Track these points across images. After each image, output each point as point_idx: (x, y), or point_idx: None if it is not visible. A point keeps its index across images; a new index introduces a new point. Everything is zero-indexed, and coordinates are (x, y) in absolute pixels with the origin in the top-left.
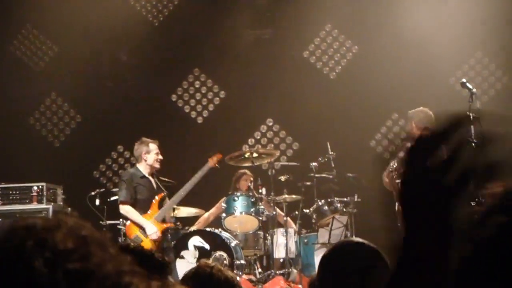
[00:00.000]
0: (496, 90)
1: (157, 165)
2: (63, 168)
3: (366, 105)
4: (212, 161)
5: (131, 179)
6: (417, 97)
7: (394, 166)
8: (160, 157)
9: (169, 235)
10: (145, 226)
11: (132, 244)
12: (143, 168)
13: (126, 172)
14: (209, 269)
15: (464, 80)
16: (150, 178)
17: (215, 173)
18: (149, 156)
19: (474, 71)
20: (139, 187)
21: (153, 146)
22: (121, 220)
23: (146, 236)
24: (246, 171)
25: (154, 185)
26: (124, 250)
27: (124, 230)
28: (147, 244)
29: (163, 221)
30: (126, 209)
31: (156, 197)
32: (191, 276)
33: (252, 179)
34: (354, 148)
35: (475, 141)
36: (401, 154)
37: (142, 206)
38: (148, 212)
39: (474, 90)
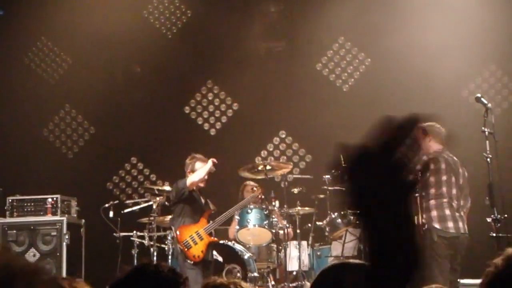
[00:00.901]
0: (509, 102)
1: (202, 184)
2: (77, 179)
3: (378, 118)
4: (256, 193)
5: (183, 184)
6: (430, 109)
7: None
8: (206, 176)
9: (213, 250)
10: (206, 168)
11: (149, 264)
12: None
13: (178, 181)
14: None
15: (479, 95)
16: (198, 192)
17: (227, 184)
18: (192, 174)
19: (487, 84)
20: (189, 197)
21: (200, 165)
22: (171, 229)
23: (196, 243)
24: (249, 182)
25: (203, 200)
26: (138, 270)
27: (174, 235)
28: (196, 250)
29: (210, 234)
30: (189, 177)
31: (205, 212)
32: None
33: (256, 188)
34: None
35: (490, 156)
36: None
37: (192, 216)
38: (198, 222)
39: (489, 105)
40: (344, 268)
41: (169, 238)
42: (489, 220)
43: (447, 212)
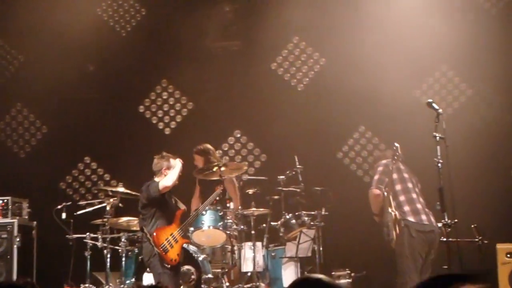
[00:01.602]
0: (460, 103)
1: (177, 181)
2: (29, 180)
3: (333, 117)
4: (218, 189)
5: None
6: (383, 109)
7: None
8: (180, 173)
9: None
10: (177, 170)
11: None
12: None
13: (148, 184)
14: None
15: (430, 100)
16: (168, 193)
17: (186, 188)
18: (169, 171)
19: (439, 84)
20: (160, 199)
21: (174, 162)
22: (144, 232)
23: (172, 246)
24: None
25: (173, 201)
26: None
27: (152, 240)
28: (173, 253)
29: (183, 236)
30: (163, 180)
31: (177, 212)
32: None
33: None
34: (322, 161)
35: (440, 161)
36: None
37: (165, 218)
38: (172, 224)
39: (440, 110)
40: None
41: (123, 239)
42: (439, 225)
43: (419, 206)
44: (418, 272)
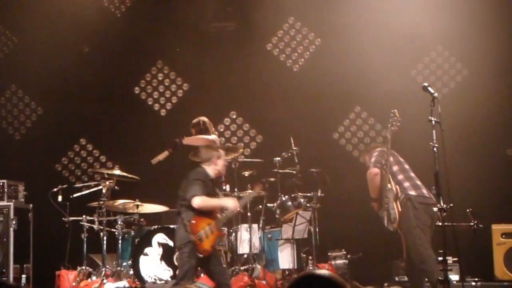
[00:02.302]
0: (456, 82)
1: (224, 171)
2: (25, 162)
3: (328, 98)
4: (257, 189)
5: (205, 178)
6: (379, 89)
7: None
8: (226, 163)
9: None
10: (225, 204)
11: None
12: (211, 171)
13: (198, 171)
14: None
15: (426, 84)
16: (214, 183)
17: (180, 169)
18: (219, 161)
19: (435, 64)
20: (206, 188)
21: (223, 152)
22: (181, 217)
23: (207, 236)
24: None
25: (217, 192)
26: None
27: (189, 227)
28: (207, 243)
29: (218, 229)
30: (202, 199)
31: None
32: None
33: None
34: (317, 142)
35: (436, 145)
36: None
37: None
38: (211, 215)
39: (436, 94)
40: (310, 278)
41: (119, 222)
42: (435, 209)
43: (418, 182)
44: (429, 242)
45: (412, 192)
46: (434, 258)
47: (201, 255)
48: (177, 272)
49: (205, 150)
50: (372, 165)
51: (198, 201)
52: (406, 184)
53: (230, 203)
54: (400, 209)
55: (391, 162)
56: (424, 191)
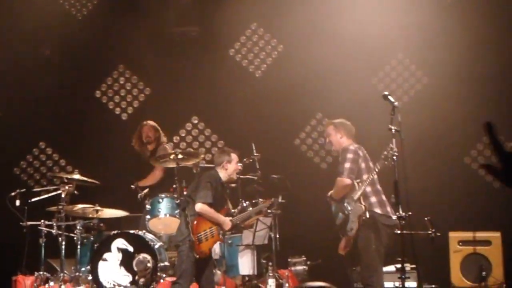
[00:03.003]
0: (416, 90)
1: (235, 177)
2: None
3: (290, 104)
4: (265, 204)
5: (215, 181)
6: (341, 96)
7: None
8: (240, 167)
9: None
10: (221, 221)
11: None
12: (222, 176)
13: (210, 174)
14: None
15: (386, 93)
16: (222, 188)
17: (139, 173)
18: (230, 165)
19: (395, 72)
20: (216, 192)
21: (235, 156)
22: (185, 214)
23: (207, 239)
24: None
25: (225, 196)
26: None
27: (191, 225)
28: (205, 246)
29: (218, 234)
30: (205, 208)
31: (223, 209)
32: None
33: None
34: (279, 148)
35: (396, 153)
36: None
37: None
38: None
39: (396, 103)
40: None
41: (78, 227)
42: (394, 217)
43: (384, 197)
44: (382, 264)
45: (378, 210)
46: (382, 284)
47: (197, 256)
48: (174, 269)
49: (217, 155)
50: (346, 174)
51: (201, 208)
52: (373, 199)
53: (226, 224)
54: (359, 224)
55: (363, 169)
56: (389, 209)
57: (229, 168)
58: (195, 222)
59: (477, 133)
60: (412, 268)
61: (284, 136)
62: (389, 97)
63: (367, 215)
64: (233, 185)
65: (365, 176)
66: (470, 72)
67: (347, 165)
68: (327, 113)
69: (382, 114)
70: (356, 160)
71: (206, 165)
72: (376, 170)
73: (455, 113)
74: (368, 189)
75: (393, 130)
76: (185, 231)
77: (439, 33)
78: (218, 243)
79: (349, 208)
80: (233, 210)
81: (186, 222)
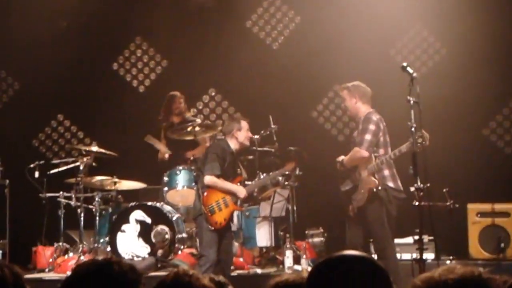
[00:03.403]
0: (434, 61)
1: (247, 143)
2: (1, 137)
3: (307, 76)
4: (289, 166)
5: (222, 152)
6: (358, 68)
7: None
8: (251, 134)
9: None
10: (234, 190)
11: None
12: (233, 145)
13: (216, 145)
14: (188, 278)
15: (404, 64)
16: (234, 156)
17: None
18: (240, 133)
19: (413, 43)
20: (226, 162)
21: (245, 124)
22: (197, 186)
23: (220, 209)
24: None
25: (237, 165)
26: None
27: (201, 198)
28: (220, 216)
29: (236, 203)
30: (214, 180)
31: (236, 178)
32: (169, 284)
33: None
34: (296, 120)
35: (414, 125)
36: None
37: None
38: None
39: (415, 74)
40: (342, 260)
41: (96, 199)
42: (412, 189)
43: (395, 171)
44: (389, 234)
45: (391, 184)
46: (394, 257)
47: (212, 228)
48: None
49: (227, 123)
50: (366, 146)
51: (209, 181)
52: (386, 172)
53: (240, 192)
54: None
55: (381, 143)
56: (399, 183)
57: (240, 136)
58: (205, 194)
59: (496, 105)
60: (430, 240)
61: (302, 108)
62: (408, 68)
63: (379, 188)
64: (250, 157)
65: (381, 151)
66: (489, 43)
67: (368, 137)
68: None
69: (400, 85)
70: (377, 133)
71: (223, 137)
72: (400, 153)
73: (474, 84)
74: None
75: (412, 101)
76: (198, 204)
77: (458, 4)
78: (235, 214)
79: (361, 179)
80: (248, 182)
81: (198, 195)
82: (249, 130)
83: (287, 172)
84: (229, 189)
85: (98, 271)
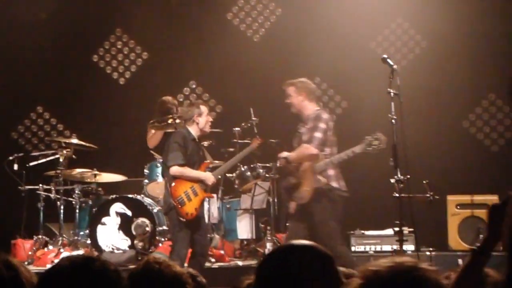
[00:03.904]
0: (415, 54)
1: (208, 129)
2: None
3: (289, 69)
4: (255, 143)
5: (183, 140)
6: (339, 60)
7: None
8: (211, 119)
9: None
10: (203, 177)
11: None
12: (194, 131)
13: (176, 134)
14: (157, 266)
15: (385, 56)
16: (197, 142)
17: (138, 139)
18: (201, 119)
19: (394, 36)
20: (189, 150)
21: (204, 108)
22: (168, 182)
23: (190, 199)
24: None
25: (201, 151)
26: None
27: (170, 190)
28: (190, 207)
29: (205, 190)
30: (180, 170)
31: (202, 164)
32: (139, 272)
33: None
34: (276, 113)
35: (394, 117)
36: None
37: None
38: None
39: (395, 66)
40: (292, 249)
41: (76, 191)
42: (392, 181)
43: (339, 171)
44: (337, 236)
45: (335, 184)
46: (348, 253)
47: (183, 219)
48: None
49: (186, 109)
50: (316, 144)
51: (175, 171)
52: (331, 172)
53: (207, 178)
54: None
55: (328, 141)
56: (342, 183)
57: (200, 121)
58: (173, 185)
59: (475, 97)
60: (410, 231)
61: (282, 101)
62: (388, 60)
63: (323, 188)
64: (231, 149)
65: (328, 150)
66: (469, 37)
67: (318, 134)
68: (326, 78)
69: (381, 77)
70: (326, 131)
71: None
72: (353, 153)
73: (453, 77)
74: (327, 160)
75: (392, 94)
76: (168, 198)
77: None
78: (215, 205)
79: (306, 176)
80: (217, 162)
81: (167, 189)
82: (209, 115)
83: (254, 148)
84: (196, 177)
85: (78, 267)
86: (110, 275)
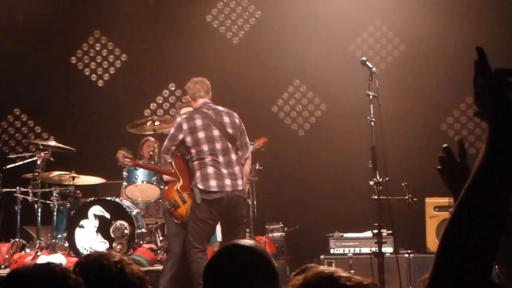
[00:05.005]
0: (393, 57)
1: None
2: None
3: (268, 71)
4: (258, 143)
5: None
6: (318, 62)
7: None
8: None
9: None
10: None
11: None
12: None
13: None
14: (105, 261)
15: (364, 58)
16: None
17: (119, 141)
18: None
19: (373, 38)
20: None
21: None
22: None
23: (185, 201)
24: (149, 138)
25: None
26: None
27: (164, 193)
28: (184, 210)
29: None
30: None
31: None
32: (84, 262)
33: (155, 145)
34: (256, 115)
35: (373, 120)
36: None
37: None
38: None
39: (374, 69)
40: (237, 248)
41: (54, 194)
42: (371, 183)
43: (210, 170)
44: (208, 236)
45: (200, 186)
46: (203, 257)
47: (178, 222)
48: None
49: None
50: (163, 150)
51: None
52: (197, 174)
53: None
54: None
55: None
56: (213, 183)
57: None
58: (166, 188)
59: (453, 100)
60: (388, 234)
61: (262, 103)
62: (367, 63)
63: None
64: None
65: (204, 147)
66: (447, 39)
67: (166, 142)
68: (305, 80)
69: (360, 80)
70: (194, 129)
71: None
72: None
73: (432, 80)
74: (196, 163)
75: (371, 96)
76: (164, 202)
77: (417, 0)
78: None
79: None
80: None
81: (162, 191)
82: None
83: None
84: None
85: (37, 273)
86: (70, 283)
